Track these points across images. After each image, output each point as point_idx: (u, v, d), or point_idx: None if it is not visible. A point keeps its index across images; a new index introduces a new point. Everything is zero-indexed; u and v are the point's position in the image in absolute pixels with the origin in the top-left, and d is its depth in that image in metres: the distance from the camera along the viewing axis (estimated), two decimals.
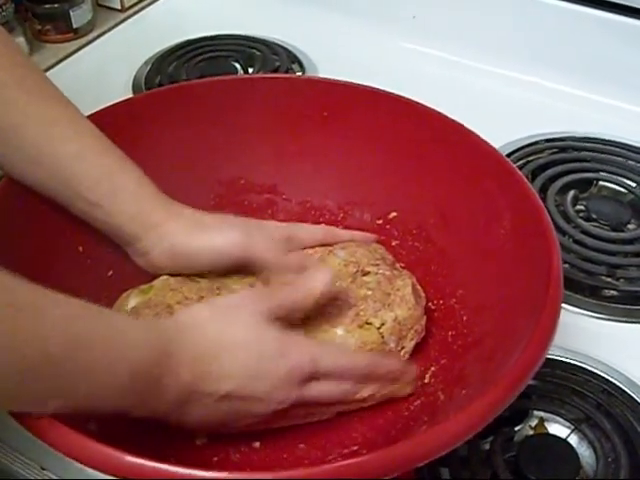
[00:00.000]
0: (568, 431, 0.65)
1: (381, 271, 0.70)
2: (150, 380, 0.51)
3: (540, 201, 0.65)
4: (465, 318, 0.68)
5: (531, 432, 0.66)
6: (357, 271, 0.70)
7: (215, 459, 0.60)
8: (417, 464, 0.50)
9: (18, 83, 0.64)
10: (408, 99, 0.76)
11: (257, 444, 0.61)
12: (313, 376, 0.57)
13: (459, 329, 0.68)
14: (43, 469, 0.66)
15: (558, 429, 0.66)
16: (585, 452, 0.64)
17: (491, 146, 0.71)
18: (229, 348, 0.55)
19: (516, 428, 0.66)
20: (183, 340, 0.53)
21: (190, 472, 0.46)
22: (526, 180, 0.67)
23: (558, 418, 0.66)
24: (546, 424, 0.66)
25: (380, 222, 0.77)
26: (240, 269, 0.69)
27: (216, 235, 0.67)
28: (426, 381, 0.66)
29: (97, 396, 0.50)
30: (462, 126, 0.72)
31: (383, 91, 0.77)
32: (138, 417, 0.53)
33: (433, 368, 0.67)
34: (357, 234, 0.75)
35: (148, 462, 0.46)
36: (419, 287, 0.71)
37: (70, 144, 0.65)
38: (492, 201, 0.69)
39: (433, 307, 0.71)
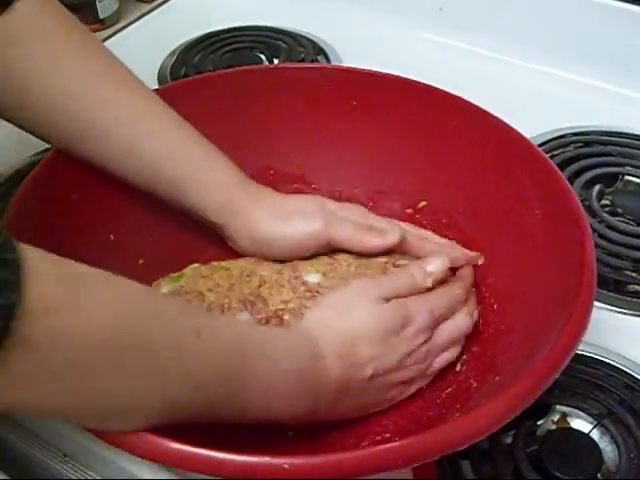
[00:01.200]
0: (590, 426, 0.65)
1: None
2: (308, 382, 0.55)
3: (572, 189, 0.65)
4: (496, 306, 0.68)
5: (553, 427, 0.65)
6: (387, 262, 0.70)
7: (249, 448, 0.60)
8: (457, 448, 0.50)
9: (111, 80, 0.66)
10: (437, 88, 0.76)
11: (290, 432, 0.61)
12: (435, 325, 0.63)
13: (490, 317, 0.68)
14: (65, 456, 0.67)
15: (580, 424, 0.66)
16: (607, 447, 0.64)
17: (521, 134, 0.70)
18: (360, 335, 0.59)
19: (538, 422, 0.65)
20: (322, 340, 0.57)
21: (236, 457, 0.46)
22: (557, 168, 0.67)
23: (581, 413, 0.66)
24: (568, 419, 0.66)
25: (409, 211, 0.77)
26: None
27: (297, 225, 0.69)
28: (457, 369, 0.66)
29: (268, 405, 0.53)
30: (491, 114, 0.72)
31: (412, 80, 0.77)
32: (296, 425, 0.58)
33: (465, 356, 0.67)
34: (445, 245, 0.73)
35: (196, 449, 0.46)
36: None
37: (159, 136, 0.67)
38: (523, 189, 0.68)
39: None
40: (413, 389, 0.63)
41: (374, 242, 0.69)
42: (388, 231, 0.69)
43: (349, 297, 0.62)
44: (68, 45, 0.65)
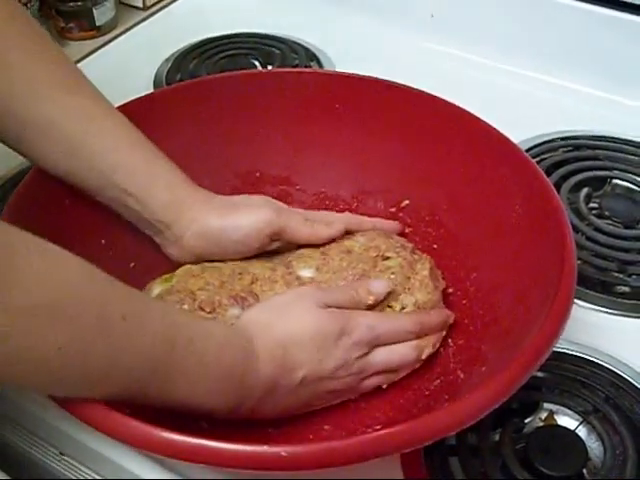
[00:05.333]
0: (577, 423, 0.66)
1: (401, 256, 0.71)
2: (235, 379, 0.55)
3: (550, 183, 0.66)
4: (480, 299, 0.70)
5: (541, 424, 0.66)
6: (377, 255, 0.71)
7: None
8: (450, 432, 0.52)
9: (58, 81, 0.66)
10: (416, 89, 0.77)
11: (282, 427, 0.63)
12: (374, 343, 0.63)
13: (475, 310, 0.70)
14: (62, 454, 0.68)
15: (567, 421, 0.67)
16: (593, 444, 0.65)
17: (501, 133, 0.72)
18: (295, 339, 0.59)
19: (526, 420, 0.67)
20: (256, 340, 0.58)
21: (236, 447, 0.48)
22: (535, 163, 0.69)
23: (567, 410, 0.67)
24: (555, 416, 0.67)
25: (393, 210, 0.79)
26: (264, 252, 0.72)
27: (247, 213, 0.70)
28: (444, 361, 0.68)
29: (192, 396, 0.54)
30: (471, 114, 0.74)
31: (391, 82, 0.79)
32: (220, 418, 0.57)
33: (451, 348, 0.68)
34: (379, 221, 0.76)
35: (194, 439, 0.48)
36: (438, 271, 0.73)
37: (106, 137, 0.67)
38: (503, 185, 0.70)
39: (449, 290, 0.73)
40: (338, 400, 0.64)
41: (324, 233, 0.72)
42: (334, 222, 0.73)
43: (290, 300, 0.63)
44: (20, 46, 0.65)
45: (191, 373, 0.53)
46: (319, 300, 0.62)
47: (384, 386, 0.66)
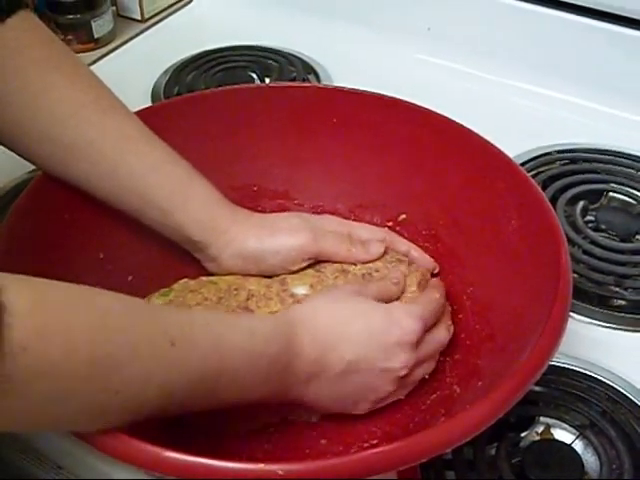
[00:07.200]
0: (573, 437, 0.66)
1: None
2: (282, 365, 0.57)
3: (546, 198, 0.67)
4: (477, 314, 0.70)
5: (537, 438, 0.67)
6: (371, 274, 0.71)
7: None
8: (446, 450, 0.52)
9: (95, 103, 0.67)
10: (414, 104, 0.78)
11: (279, 441, 0.63)
12: (424, 331, 0.63)
13: (471, 325, 0.70)
14: (59, 467, 0.68)
15: (563, 435, 0.67)
16: (590, 458, 0.65)
17: (497, 148, 0.72)
18: (342, 323, 0.61)
19: (522, 434, 0.67)
20: (302, 326, 0.59)
21: (233, 466, 0.48)
22: (531, 178, 0.69)
23: (564, 424, 0.67)
24: (552, 430, 0.67)
25: (390, 224, 0.79)
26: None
27: (284, 237, 0.71)
28: (441, 376, 0.67)
29: (241, 392, 0.55)
30: (468, 129, 0.74)
31: (389, 97, 0.79)
32: (276, 403, 0.60)
33: (448, 363, 0.68)
34: (416, 249, 0.75)
35: (190, 457, 0.48)
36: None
37: (144, 157, 0.68)
38: (499, 200, 0.70)
39: None
40: (392, 399, 0.64)
41: (361, 257, 0.72)
42: (371, 244, 0.72)
43: (336, 290, 0.66)
44: (57, 69, 0.66)
45: (239, 373, 0.54)
46: (364, 289, 0.65)
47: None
